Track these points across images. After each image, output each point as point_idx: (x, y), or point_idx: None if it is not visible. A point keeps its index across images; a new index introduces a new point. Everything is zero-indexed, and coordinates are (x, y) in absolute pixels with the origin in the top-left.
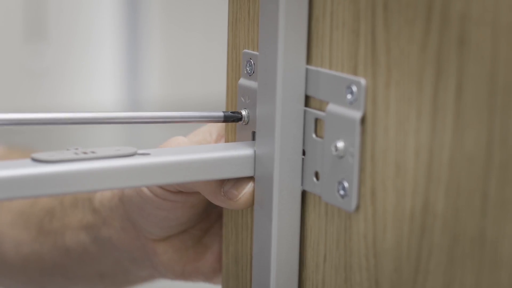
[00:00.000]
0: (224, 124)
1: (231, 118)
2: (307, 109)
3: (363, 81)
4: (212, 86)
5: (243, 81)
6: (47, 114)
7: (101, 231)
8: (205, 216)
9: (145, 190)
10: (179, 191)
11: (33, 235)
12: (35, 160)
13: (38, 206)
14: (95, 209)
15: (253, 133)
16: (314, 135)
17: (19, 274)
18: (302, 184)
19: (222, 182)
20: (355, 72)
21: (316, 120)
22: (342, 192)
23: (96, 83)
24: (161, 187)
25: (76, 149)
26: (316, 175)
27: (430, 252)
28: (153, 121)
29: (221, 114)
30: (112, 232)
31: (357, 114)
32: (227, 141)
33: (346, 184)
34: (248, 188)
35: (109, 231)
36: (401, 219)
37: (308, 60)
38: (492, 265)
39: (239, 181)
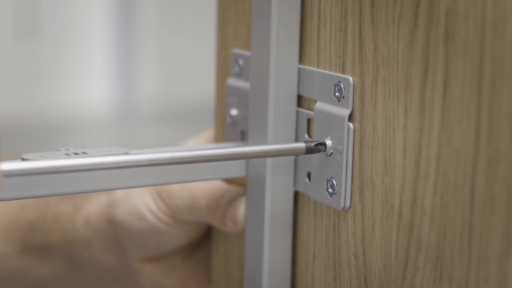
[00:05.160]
0: (212, 134)
1: (314, 147)
2: (300, 109)
3: (351, 79)
4: (207, 85)
5: (231, 80)
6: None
7: (84, 251)
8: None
9: (150, 216)
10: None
11: (19, 250)
12: (26, 160)
13: (23, 221)
14: (78, 228)
15: (242, 133)
16: (306, 136)
17: None
18: (294, 185)
19: (226, 210)
20: (343, 70)
21: (309, 121)
22: (330, 190)
23: (90, 83)
24: (168, 215)
25: (67, 149)
26: (309, 176)
27: (418, 248)
28: (227, 158)
29: (303, 145)
30: (96, 253)
31: (345, 112)
32: (216, 141)
33: (334, 182)
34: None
35: (93, 252)
36: (390, 216)
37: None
38: (480, 261)
39: (235, 202)
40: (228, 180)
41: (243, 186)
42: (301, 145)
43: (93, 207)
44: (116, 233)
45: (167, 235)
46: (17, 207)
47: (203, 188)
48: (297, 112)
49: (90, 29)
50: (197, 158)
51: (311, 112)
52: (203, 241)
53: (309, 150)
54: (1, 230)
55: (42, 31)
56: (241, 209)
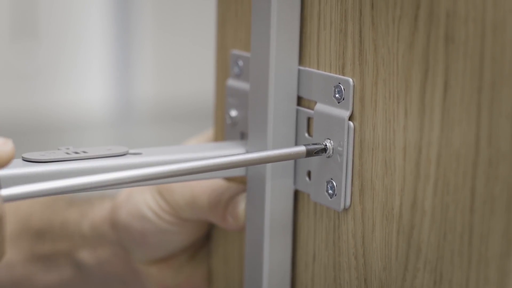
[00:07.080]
0: (212, 134)
1: (315, 151)
2: (300, 108)
3: (351, 80)
4: (205, 86)
5: (231, 81)
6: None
7: (90, 257)
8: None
9: (151, 215)
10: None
11: (25, 258)
12: (26, 160)
13: (31, 229)
14: (85, 234)
15: (241, 134)
16: (306, 134)
17: None
18: (294, 183)
19: (226, 206)
20: (342, 72)
21: (309, 119)
22: (330, 191)
23: (88, 83)
24: (169, 213)
25: (68, 148)
26: (309, 174)
27: (419, 249)
28: (226, 166)
29: (303, 149)
30: (102, 258)
31: (345, 113)
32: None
33: (334, 184)
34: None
35: (99, 257)
36: (390, 218)
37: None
38: (480, 262)
39: (235, 198)
40: (228, 177)
41: (243, 183)
42: (302, 148)
43: (98, 212)
44: (119, 236)
45: (169, 234)
46: (25, 215)
47: (204, 185)
48: (297, 110)
49: (88, 29)
50: (199, 169)
51: (311, 111)
52: (207, 241)
53: (309, 153)
54: (9, 239)
55: (40, 31)
56: (241, 205)
